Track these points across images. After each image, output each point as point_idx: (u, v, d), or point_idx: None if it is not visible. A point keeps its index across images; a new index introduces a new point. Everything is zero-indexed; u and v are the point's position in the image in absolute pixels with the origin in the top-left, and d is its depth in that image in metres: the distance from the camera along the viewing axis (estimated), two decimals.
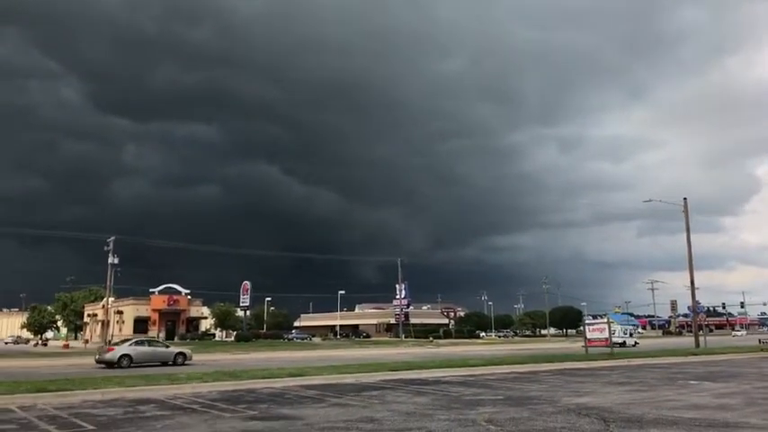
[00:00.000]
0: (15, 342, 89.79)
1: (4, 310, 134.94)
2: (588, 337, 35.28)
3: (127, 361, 26.47)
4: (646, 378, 19.29)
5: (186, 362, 28.73)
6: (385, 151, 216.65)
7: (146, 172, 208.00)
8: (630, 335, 56.26)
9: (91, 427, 10.21)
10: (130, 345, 28.16)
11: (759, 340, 38.21)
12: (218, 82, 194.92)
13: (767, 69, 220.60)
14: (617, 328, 49.48)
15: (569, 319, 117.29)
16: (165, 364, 27.72)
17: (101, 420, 10.99)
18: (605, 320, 36.94)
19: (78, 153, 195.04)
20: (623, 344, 46.44)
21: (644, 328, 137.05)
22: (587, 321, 38.05)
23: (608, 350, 31.80)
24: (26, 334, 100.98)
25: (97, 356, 28.01)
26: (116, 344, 30.81)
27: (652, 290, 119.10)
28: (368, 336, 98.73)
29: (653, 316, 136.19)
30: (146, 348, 28.57)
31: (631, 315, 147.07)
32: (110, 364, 26.17)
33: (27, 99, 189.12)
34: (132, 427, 10.22)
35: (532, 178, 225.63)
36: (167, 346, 31.24)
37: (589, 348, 33.42)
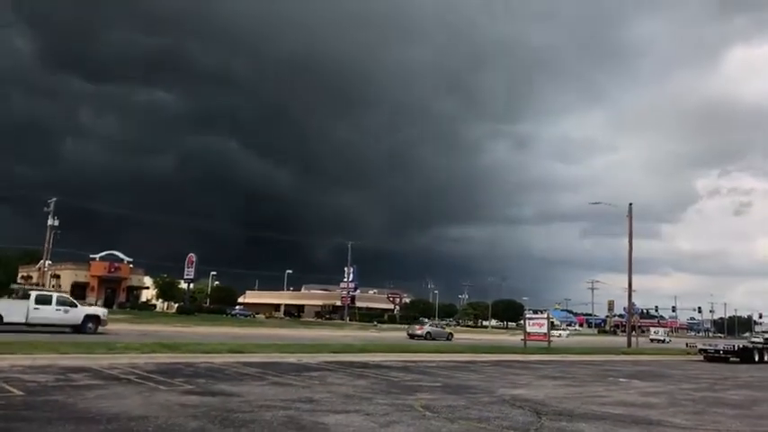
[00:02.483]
0: None
1: None
2: (528, 330, 36.20)
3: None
4: (579, 374, 19.99)
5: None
6: (345, 133, 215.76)
7: (98, 135, 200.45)
8: (565, 329, 60.18)
9: (19, 393, 9.88)
10: None
11: (686, 344, 40.06)
12: (179, 49, 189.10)
13: (716, 86, 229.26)
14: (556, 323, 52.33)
15: (511, 313, 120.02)
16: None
17: (30, 386, 10.64)
18: (545, 316, 37.99)
19: (27, 108, 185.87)
20: (558, 336, 49.32)
21: (581, 325, 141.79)
22: (528, 316, 39.00)
23: (545, 344, 32.76)
24: None
25: None
26: None
27: (592, 289, 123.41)
28: (330, 317, 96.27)
29: (591, 314, 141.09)
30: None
31: (570, 312, 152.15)
32: None
33: None
34: (63, 395, 9.94)
35: (486, 173, 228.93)
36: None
37: (528, 342, 34.32)
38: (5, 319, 24.00)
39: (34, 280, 73.54)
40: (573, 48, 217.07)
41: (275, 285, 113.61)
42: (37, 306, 24.99)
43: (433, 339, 43.71)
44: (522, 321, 59.22)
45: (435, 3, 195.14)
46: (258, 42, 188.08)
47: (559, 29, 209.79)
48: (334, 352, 21.62)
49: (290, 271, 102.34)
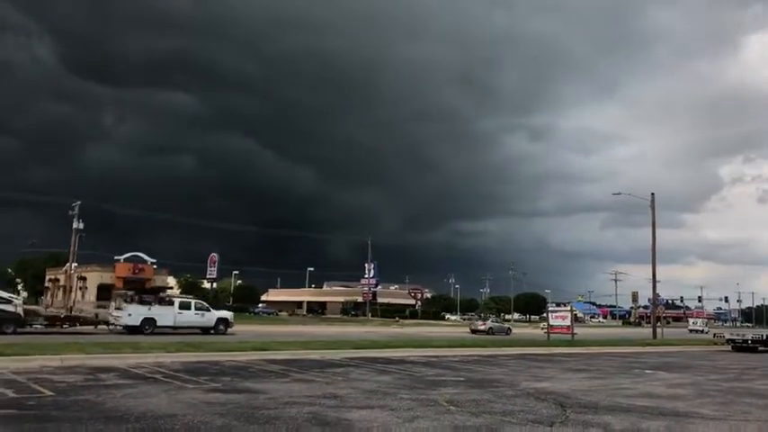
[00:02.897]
0: None
1: None
2: (551, 323, 36.02)
3: None
4: (603, 366, 19.82)
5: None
6: (362, 131, 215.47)
7: (120, 138, 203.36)
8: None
9: (49, 393, 10.08)
10: None
11: (714, 334, 39.47)
12: (195, 52, 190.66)
13: (735, 74, 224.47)
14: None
15: (533, 306, 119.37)
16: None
17: (60, 387, 10.85)
18: (568, 308, 37.75)
19: (50, 115, 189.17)
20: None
21: (605, 317, 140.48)
22: (551, 309, 38.84)
23: (569, 337, 32.54)
24: None
25: None
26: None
27: (615, 281, 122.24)
28: (356, 314, 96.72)
29: (615, 306, 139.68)
30: None
31: (594, 304, 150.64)
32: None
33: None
34: (92, 394, 10.12)
35: (503, 166, 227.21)
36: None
37: (551, 335, 34.12)
38: (158, 323, 27.56)
39: (61, 282, 74.96)
40: (587, 38, 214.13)
41: (297, 283, 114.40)
42: (180, 311, 28.58)
43: (494, 334, 44.20)
44: (544, 314, 59.07)
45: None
46: (273, 42, 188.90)
47: (572, 20, 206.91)
48: (356, 348, 21.69)
49: (312, 269, 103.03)
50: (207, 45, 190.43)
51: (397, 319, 78.31)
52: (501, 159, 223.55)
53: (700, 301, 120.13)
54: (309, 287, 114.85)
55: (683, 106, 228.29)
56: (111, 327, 28.49)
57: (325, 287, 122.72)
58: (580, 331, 50.41)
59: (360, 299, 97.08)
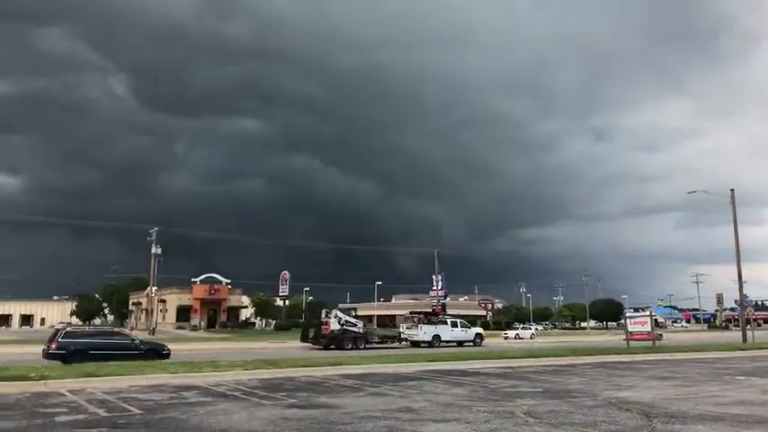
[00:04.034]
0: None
1: (55, 297, 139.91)
2: (630, 330, 34.64)
3: None
4: (689, 373, 18.84)
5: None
6: (420, 143, 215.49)
7: (192, 166, 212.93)
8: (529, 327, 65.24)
9: (138, 412, 10.56)
10: None
11: None
12: (258, 78, 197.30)
13: None
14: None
15: (609, 312, 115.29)
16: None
17: (147, 405, 11.35)
18: (647, 313, 36.19)
19: (127, 147, 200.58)
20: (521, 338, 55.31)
21: (688, 321, 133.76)
22: (629, 314, 37.31)
23: (649, 344, 31.17)
24: (75, 321, 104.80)
25: None
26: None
27: (697, 283, 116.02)
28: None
29: (697, 309, 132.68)
30: None
31: (675, 308, 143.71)
32: None
33: (78, 94, 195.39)
34: (177, 412, 10.53)
35: (565, 170, 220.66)
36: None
37: (630, 342, 32.80)
38: (442, 338, 36.73)
39: (143, 306, 78.54)
40: (645, 33, 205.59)
41: (365, 297, 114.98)
42: (452, 328, 38.17)
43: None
44: (622, 321, 56.94)
45: (491, 6, 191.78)
46: (327, 62, 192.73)
47: (628, 17, 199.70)
48: (429, 361, 21.56)
49: (380, 282, 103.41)
50: (268, 70, 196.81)
51: None
52: (564, 163, 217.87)
53: None
54: (378, 301, 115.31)
55: (754, 94, 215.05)
56: (402, 342, 37.19)
57: (393, 300, 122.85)
58: (663, 337, 48.21)
59: (429, 311, 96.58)
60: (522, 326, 67.89)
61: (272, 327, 79.09)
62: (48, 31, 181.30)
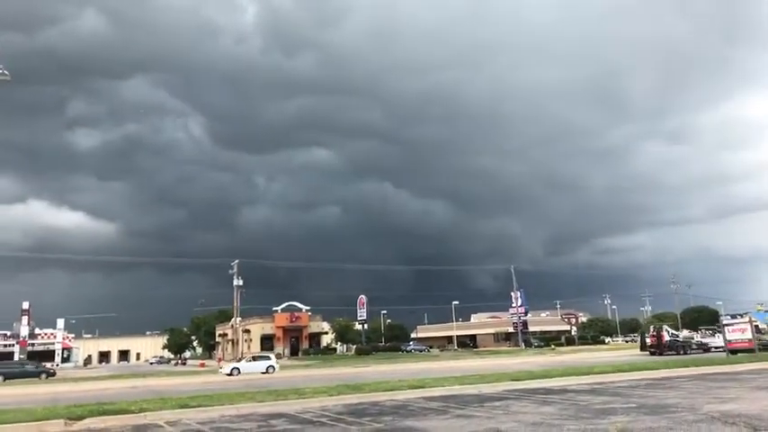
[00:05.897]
0: (159, 362, 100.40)
1: (147, 333, 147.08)
2: (728, 338, 32.59)
3: None
4: None
5: None
6: (491, 159, 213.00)
7: (269, 199, 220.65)
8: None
9: None
10: None
11: None
12: (325, 109, 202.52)
13: None
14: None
15: (703, 320, 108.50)
16: None
17: None
18: (746, 320, 33.91)
19: (206, 185, 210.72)
20: None
21: None
22: (726, 321, 35.04)
23: (751, 352, 29.16)
24: (167, 354, 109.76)
25: None
26: None
27: None
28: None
29: None
30: None
31: None
32: None
33: (159, 137, 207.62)
34: None
35: (644, 176, 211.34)
36: None
37: (730, 350, 30.81)
38: None
39: (229, 336, 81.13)
40: (716, 32, 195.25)
41: (443, 317, 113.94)
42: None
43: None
44: (715, 327, 53.72)
45: (559, 17, 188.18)
46: (394, 86, 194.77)
47: (696, 17, 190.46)
48: (513, 380, 21.05)
49: (456, 302, 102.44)
50: (334, 101, 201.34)
51: (552, 346, 75.04)
52: (642, 168, 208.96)
53: None
54: (457, 320, 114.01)
55: None
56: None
57: (473, 319, 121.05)
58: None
59: (510, 329, 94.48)
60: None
61: (353, 351, 79.64)
62: (131, 83, 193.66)
